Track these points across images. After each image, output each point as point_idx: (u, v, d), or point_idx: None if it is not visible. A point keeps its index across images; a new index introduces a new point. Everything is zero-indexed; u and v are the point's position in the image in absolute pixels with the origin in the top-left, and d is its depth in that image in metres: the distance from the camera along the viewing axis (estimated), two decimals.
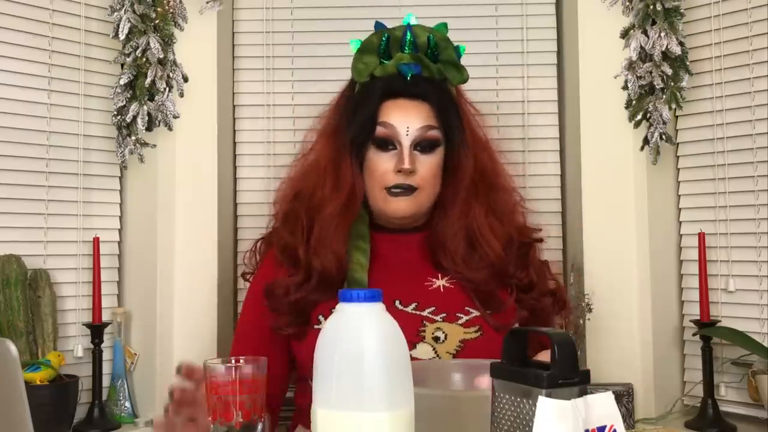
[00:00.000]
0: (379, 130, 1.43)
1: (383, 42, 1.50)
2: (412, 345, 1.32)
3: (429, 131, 1.43)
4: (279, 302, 1.39)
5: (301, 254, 1.41)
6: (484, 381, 1.05)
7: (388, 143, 1.43)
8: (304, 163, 1.56)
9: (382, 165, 1.43)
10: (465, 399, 0.95)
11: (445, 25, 1.56)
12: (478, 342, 1.35)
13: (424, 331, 1.35)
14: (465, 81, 1.53)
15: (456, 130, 1.46)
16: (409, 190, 1.41)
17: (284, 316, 1.39)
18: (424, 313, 1.37)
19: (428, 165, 1.43)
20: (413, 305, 1.37)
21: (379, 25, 1.55)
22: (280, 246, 1.47)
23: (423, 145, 1.43)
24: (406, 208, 1.42)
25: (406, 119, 1.43)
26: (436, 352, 1.34)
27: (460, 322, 1.36)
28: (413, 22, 1.54)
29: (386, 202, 1.43)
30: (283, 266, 1.44)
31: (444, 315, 1.37)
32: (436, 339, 1.34)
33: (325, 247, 1.39)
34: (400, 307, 1.36)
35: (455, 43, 1.54)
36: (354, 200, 1.44)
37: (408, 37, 1.49)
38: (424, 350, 1.33)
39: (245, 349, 1.43)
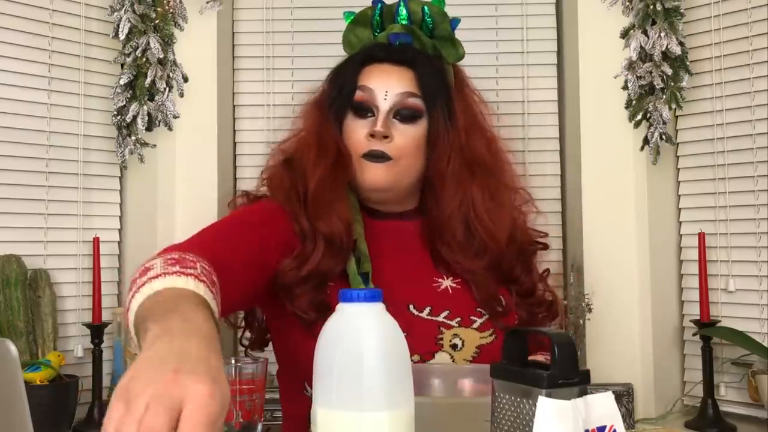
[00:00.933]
0: (357, 94, 1.34)
1: (376, 13, 1.43)
2: (431, 354, 1.25)
3: (409, 98, 1.33)
4: (292, 279, 1.27)
5: (303, 222, 1.30)
6: (466, 385, 1.03)
7: (365, 109, 1.34)
8: (292, 136, 1.48)
9: (356, 132, 1.33)
10: (441, 406, 0.93)
11: (442, 0, 1.47)
12: (493, 346, 1.28)
13: (441, 338, 1.27)
14: (461, 57, 1.43)
15: (440, 103, 1.35)
16: (383, 158, 1.31)
17: (302, 297, 1.26)
18: (440, 318, 1.29)
19: (408, 136, 1.32)
20: (427, 309, 1.30)
21: (376, 2, 1.49)
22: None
23: (403, 114, 1.33)
24: (381, 176, 1.31)
25: (386, 83, 1.33)
26: (453, 361, 1.26)
27: (474, 326, 1.30)
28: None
29: (362, 170, 1.32)
30: (283, 214, 1.32)
31: (459, 319, 1.30)
32: (454, 346, 1.27)
33: (327, 209, 1.30)
34: (416, 312, 1.29)
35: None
36: (342, 161, 1.33)
37: (401, 9, 1.41)
38: (442, 359, 1.26)
39: (216, 237, 1.23)
